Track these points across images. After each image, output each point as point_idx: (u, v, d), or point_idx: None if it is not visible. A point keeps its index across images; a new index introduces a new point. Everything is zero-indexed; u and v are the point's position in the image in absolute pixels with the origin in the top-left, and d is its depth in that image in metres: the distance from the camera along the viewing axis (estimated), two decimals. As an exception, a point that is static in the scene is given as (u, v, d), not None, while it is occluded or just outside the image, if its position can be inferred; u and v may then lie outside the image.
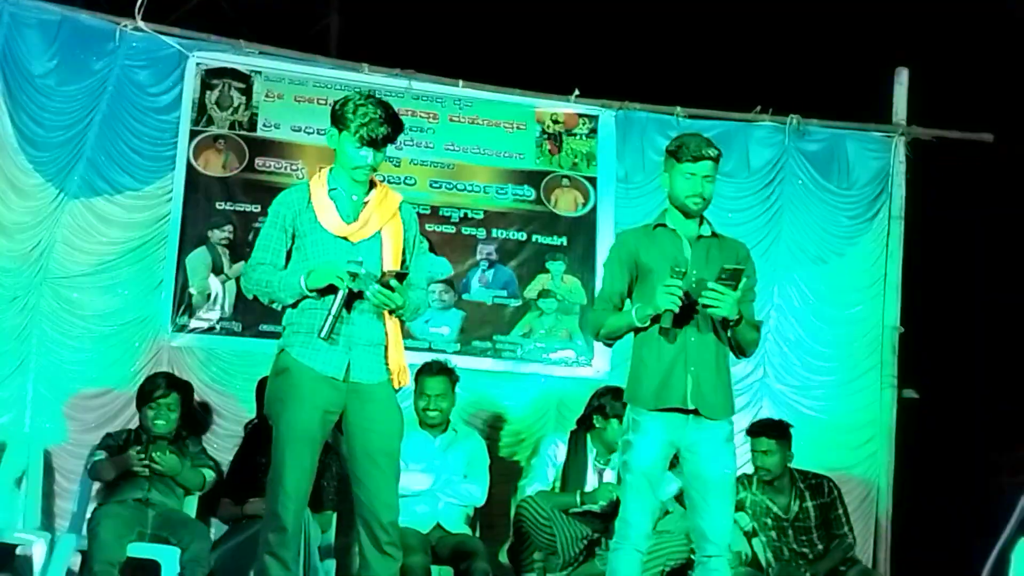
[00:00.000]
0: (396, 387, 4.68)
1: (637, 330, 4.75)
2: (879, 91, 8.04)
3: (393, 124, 4.58)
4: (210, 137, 7.13)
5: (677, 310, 4.54)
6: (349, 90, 7.18)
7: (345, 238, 4.58)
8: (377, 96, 4.70)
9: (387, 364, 4.64)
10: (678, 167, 4.72)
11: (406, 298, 4.54)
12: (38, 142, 6.78)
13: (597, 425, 6.21)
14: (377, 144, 4.55)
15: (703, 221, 4.82)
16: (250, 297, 4.77)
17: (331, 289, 4.45)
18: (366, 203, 4.65)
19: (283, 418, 4.52)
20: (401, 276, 4.50)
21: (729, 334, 4.72)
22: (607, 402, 6.17)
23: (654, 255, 4.73)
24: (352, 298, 4.50)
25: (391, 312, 4.56)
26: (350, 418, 4.60)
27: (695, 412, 4.64)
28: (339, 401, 4.56)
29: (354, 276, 4.43)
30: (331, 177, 4.67)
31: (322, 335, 4.44)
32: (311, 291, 4.49)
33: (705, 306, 4.54)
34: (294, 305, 4.58)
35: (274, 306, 4.74)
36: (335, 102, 4.68)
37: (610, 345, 4.98)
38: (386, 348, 4.63)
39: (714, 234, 4.82)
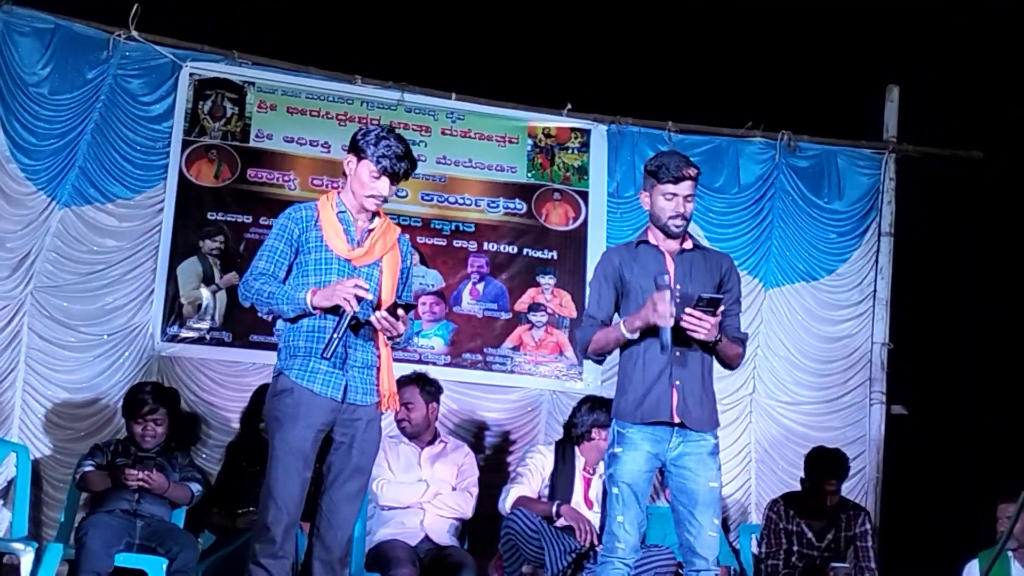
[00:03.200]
0: (383, 410, 4.84)
1: (624, 346, 4.78)
2: (870, 108, 8.08)
3: (411, 161, 4.77)
4: (202, 147, 7.14)
5: (668, 325, 4.57)
6: (343, 102, 7.24)
7: (349, 261, 4.72)
8: (397, 132, 4.84)
9: (378, 387, 4.79)
10: (659, 187, 4.75)
11: (408, 328, 4.72)
12: (30, 150, 6.78)
13: (596, 437, 6.21)
14: (396, 177, 4.73)
15: (686, 235, 4.85)
16: (246, 305, 4.81)
17: (334, 309, 4.56)
18: (371, 231, 4.80)
19: (279, 435, 4.64)
20: (409, 307, 4.68)
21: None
22: (601, 414, 6.18)
23: (637, 272, 4.76)
24: (354, 324, 4.63)
25: (390, 339, 4.72)
26: (335, 434, 4.74)
27: (681, 425, 4.66)
28: (331, 420, 4.70)
29: (360, 300, 4.54)
30: (340, 200, 4.81)
31: (325, 355, 4.56)
32: (315, 309, 4.58)
33: (684, 330, 4.57)
34: (293, 320, 4.68)
35: (267, 317, 4.83)
36: (357, 131, 4.81)
37: (599, 362, 4.98)
38: (378, 370, 4.79)
39: (696, 247, 4.84)
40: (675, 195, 4.72)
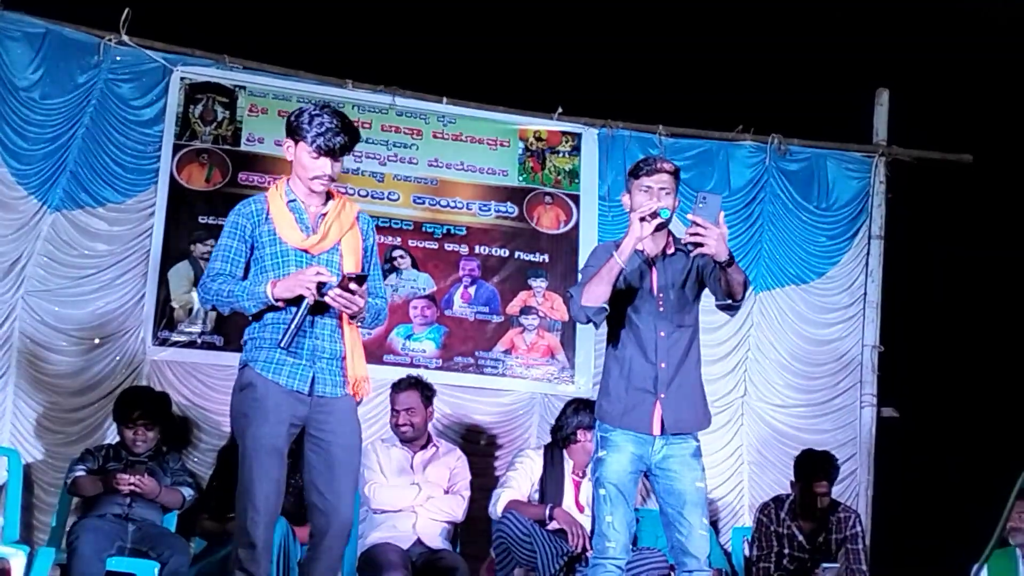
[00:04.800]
0: (357, 399, 4.69)
1: (610, 347, 4.78)
2: (860, 112, 8.10)
3: (350, 133, 4.59)
4: (193, 151, 7.14)
5: (665, 216, 4.57)
6: (334, 106, 7.22)
7: (305, 250, 4.59)
8: (332, 106, 4.71)
9: (345, 377, 4.64)
10: (636, 182, 4.74)
11: (366, 302, 4.54)
12: (21, 154, 6.77)
13: (581, 439, 6.23)
14: (335, 154, 4.56)
15: (669, 236, 4.83)
16: (207, 308, 4.79)
17: (299, 300, 4.45)
18: (324, 215, 4.66)
19: (248, 432, 4.51)
20: (361, 279, 4.49)
21: (721, 282, 4.62)
22: (585, 416, 6.20)
23: (623, 275, 4.73)
24: (314, 308, 4.50)
25: (352, 317, 4.57)
26: (311, 431, 4.60)
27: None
28: (302, 414, 4.56)
29: (320, 286, 4.42)
30: (288, 189, 4.68)
31: (282, 344, 4.45)
32: (278, 301, 4.48)
33: (690, 244, 4.46)
34: (257, 316, 4.57)
35: (226, 313, 4.74)
36: (289, 113, 4.69)
37: (598, 318, 4.70)
38: (344, 360, 4.64)
39: (678, 250, 4.82)
40: (650, 188, 4.69)
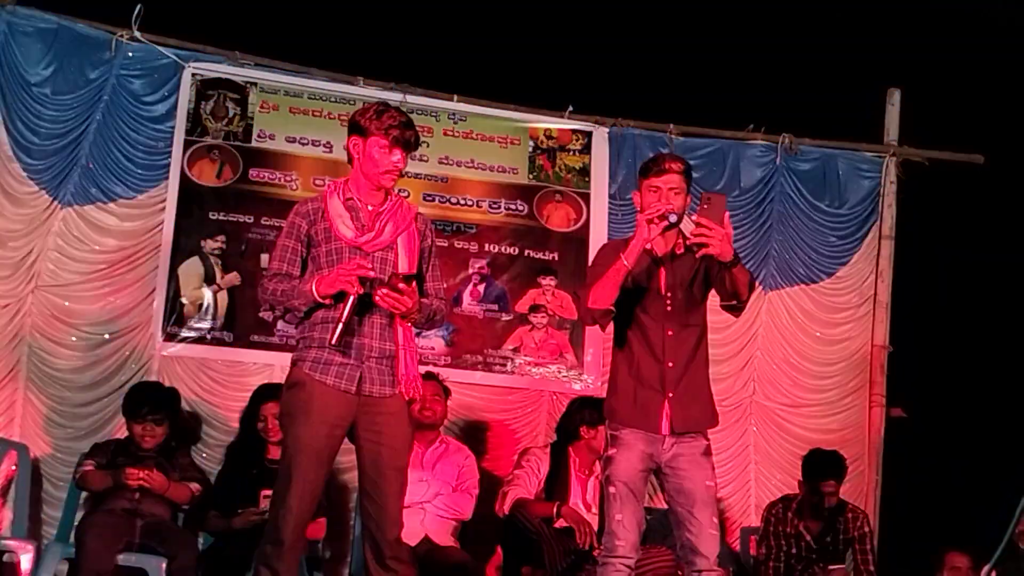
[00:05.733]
0: (406, 395, 4.65)
1: (617, 347, 4.78)
2: (871, 111, 8.09)
3: (416, 131, 4.67)
4: (204, 147, 7.14)
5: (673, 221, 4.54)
6: (345, 102, 7.24)
7: (359, 247, 4.58)
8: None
9: (396, 376, 4.62)
10: (645, 182, 4.71)
11: (416, 301, 4.50)
12: (33, 150, 6.79)
13: (585, 436, 6.24)
14: (409, 146, 4.61)
15: (679, 236, 4.81)
16: (266, 308, 4.76)
17: (343, 296, 4.44)
18: (380, 213, 4.66)
19: (291, 432, 4.52)
20: (410, 278, 4.47)
21: (726, 282, 4.60)
22: (589, 413, 6.22)
23: (632, 274, 4.73)
24: (364, 306, 4.49)
25: (402, 316, 4.54)
26: (360, 432, 4.58)
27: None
28: (349, 415, 4.54)
29: (364, 282, 4.41)
30: (348, 187, 4.69)
31: (332, 342, 4.42)
32: (323, 298, 4.48)
33: (694, 244, 4.44)
34: (307, 315, 4.57)
35: (284, 319, 4.73)
36: (354, 113, 4.70)
37: (604, 320, 4.70)
38: (395, 360, 4.62)
39: (688, 249, 4.80)
40: (658, 188, 4.66)
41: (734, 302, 4.67)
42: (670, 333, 4.71)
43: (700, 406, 4.75)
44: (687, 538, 4.66)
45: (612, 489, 4.68)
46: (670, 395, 4.67)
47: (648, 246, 4.68)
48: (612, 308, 4.63)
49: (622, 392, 4.75)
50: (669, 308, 4.71)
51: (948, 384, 8.14)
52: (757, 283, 7.61)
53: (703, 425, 4.75)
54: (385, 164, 4.59)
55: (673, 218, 4.57)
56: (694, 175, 5.10)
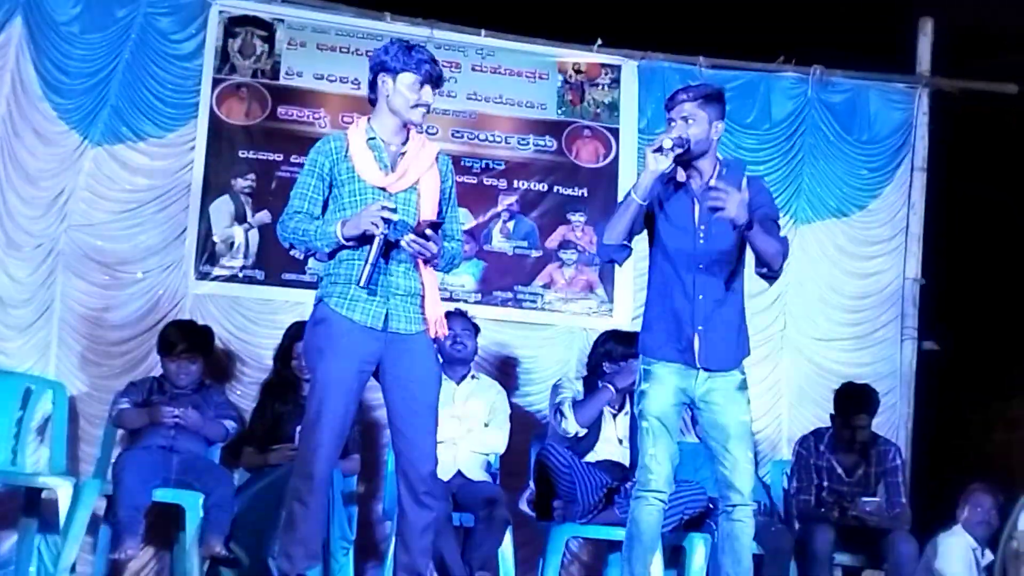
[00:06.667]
0: (432, 335, 4.68)
1: (651, 279, 4.77)
2: (903, 42, 7.99)
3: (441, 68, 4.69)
4: (233, 85, 7.13)
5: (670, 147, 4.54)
6: (372, 38, 7.19)
7: (383, 188, 4.58)
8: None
9: (423, 314, 4.65)
10: (668, 116, 4.72)
11: (441, 247, 4.55)
12: (62, 89, 6.79)
13: (608, 371, 6.24)
14: (437, 82, 4.63)
15: (717, 165, 4.77)
16: (286, 246, 4.78)
17: (368, 238, 4.45)
18: (404, 153, 4.66)
19: (319, 367, 4.53)
20: (436, 225, 4.50)
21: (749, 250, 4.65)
22: (612, 347, 6.22)
23: (666, 208, 4.72)
24: (389, 247, 4.51)
25: (426, 262, 4.58)
26: (388, 368, 4.60)
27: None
28: (376, 351, 4.56)
29: (388, 223, 4.42)
30: (370, 127, 4.67)
31: (361, 284, 4.44)
32: (348, 240, 4.49)
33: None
34: (331, 255, 4.58)
35: (314, 257, 4.76)
36: (377, 51, 4.69)
37: (619, 256, 4.73)
38: (422, 298, 4.65)
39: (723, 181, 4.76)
40: (673, 120, 4.67)
41: (765, 269, 4.68)
42: (701, 267, 4.70)
43: (727, 342, 4.74)
44: (721, 473, 4.68)
45: (645, 423, 4.70)
46: (700, 328, 4.67)
47: (682, 178, 4.68)
48: (627, 244, 4.65)
49: (654, 326, 4.75)
50: (702, 241, 4.69)
51: (980, 317, 8.10)
52: (788, 217, 7.56)
53: (728, 363, 4.74)
54: (415, 99, 4.59)
55: (668, 143, 4.54)
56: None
